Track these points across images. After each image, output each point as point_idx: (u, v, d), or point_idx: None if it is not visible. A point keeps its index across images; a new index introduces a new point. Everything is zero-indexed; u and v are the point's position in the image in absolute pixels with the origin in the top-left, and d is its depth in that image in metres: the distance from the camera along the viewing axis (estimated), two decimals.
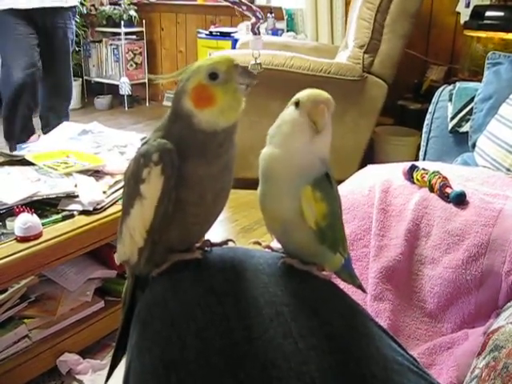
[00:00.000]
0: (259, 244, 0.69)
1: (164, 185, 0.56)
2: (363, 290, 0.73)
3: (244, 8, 1.49)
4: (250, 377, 0.49)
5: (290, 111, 0.61)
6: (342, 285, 0.69)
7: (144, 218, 0.58)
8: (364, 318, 0.62)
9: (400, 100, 3.26)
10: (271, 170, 0.61)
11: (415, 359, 0.61)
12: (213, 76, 0.55)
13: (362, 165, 1.43)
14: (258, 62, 1.56)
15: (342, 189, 1.23)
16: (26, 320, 1.48)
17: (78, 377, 1.49)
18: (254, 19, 1.52)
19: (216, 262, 0.61)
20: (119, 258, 0.65)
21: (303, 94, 0.60)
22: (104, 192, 1.57)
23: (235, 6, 1.51)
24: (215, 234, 0.66)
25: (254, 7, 1.51)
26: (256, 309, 0.54)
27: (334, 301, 0.61)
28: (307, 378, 0.50)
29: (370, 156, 2.89)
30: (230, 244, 0.66)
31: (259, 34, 1.55)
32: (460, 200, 1.13)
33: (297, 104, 0.60)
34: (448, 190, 1.15)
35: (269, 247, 0.69)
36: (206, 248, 0.64)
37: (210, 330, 0.52)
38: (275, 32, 3.75)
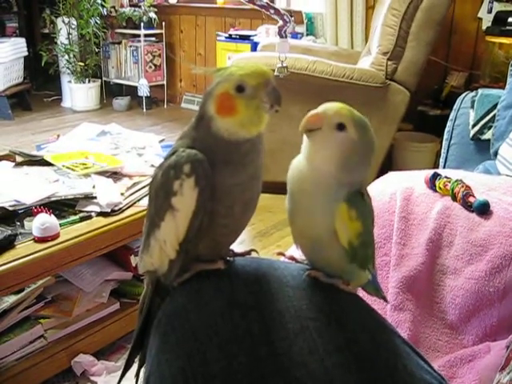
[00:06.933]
0: (283, 255, 0.67)
1: (199, 197, 0.54)
2: (386, 301, 0.71)
3: (272, 11, 1.49)
4: None
5: None
6: (361, 293, 0.67)
7: (178, 230, 0.56)
8: (391, 334, 0.60)
9: (419, 106, 3.22)
10: (299, 183, 0.59)
11: (443, 377, 0.59)
12: (240, 88, 0.55)
13: (382, 171, 1.41)
14: (284, 65, 1.55)
15: None
16: (41, 320, 1.48)
17: (92, 378, 1.49)
18: (281, 22, 1.52)
19: (239, 274, 0.60)
20: (144, 267, 0.63)
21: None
22: (122, 194, 1.57)
23: (263, 10, 1.51)
24: None
25: (282, 11, 1.51)
26: (281, 323, 0.53)
27: (360, 316, 0.59)
28: None
29: (389, 162, 2.86)
30: (254, 254, 0.65)
31: (286, 37, 1.54)
32: (484, 210, 1.10)
33: None
34: (471, 200, 1.12)
35: (293, 258, 0.67)
36: (229, 258, 0.62)
37: (234, 344, 0.51)
38: (295, 35, 3.73)
